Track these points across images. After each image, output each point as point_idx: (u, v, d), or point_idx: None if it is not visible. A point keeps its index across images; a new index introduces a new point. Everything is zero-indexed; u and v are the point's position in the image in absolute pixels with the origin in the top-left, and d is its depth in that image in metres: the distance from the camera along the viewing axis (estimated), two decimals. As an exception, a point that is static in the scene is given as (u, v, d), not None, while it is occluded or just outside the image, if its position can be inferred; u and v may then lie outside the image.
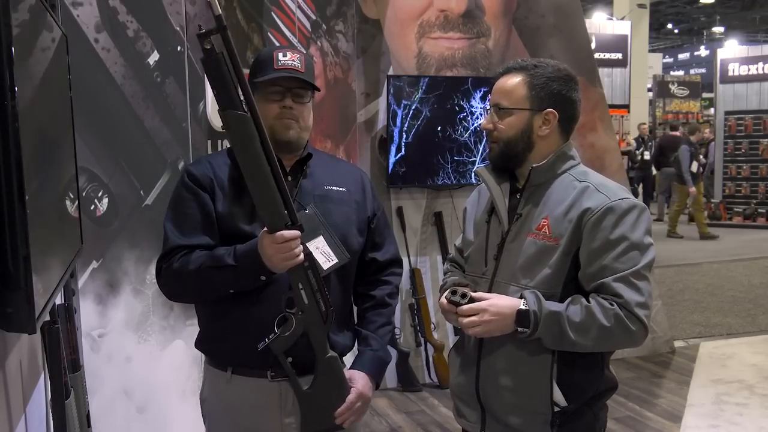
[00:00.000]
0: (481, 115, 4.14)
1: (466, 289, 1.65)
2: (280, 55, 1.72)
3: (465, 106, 4.14)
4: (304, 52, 1.80)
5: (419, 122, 4.09)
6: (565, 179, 1.68)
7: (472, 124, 4.16)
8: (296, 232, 1.59)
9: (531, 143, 1.68)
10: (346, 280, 1.83)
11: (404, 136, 4.06)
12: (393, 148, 4.05)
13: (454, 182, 4.19)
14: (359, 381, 1.78)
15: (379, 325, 1.87)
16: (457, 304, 1.63)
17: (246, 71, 1.58)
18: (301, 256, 1.61)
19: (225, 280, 1.65)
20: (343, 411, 1.73)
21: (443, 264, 4.27)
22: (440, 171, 4.15)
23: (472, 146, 4.19)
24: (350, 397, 1.75)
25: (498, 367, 1.68)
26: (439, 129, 4.13)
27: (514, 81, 1.68)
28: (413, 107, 4.05)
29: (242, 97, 1.53)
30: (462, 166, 4.18)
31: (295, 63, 1.72)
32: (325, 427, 1.74)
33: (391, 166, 4.06)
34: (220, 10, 1.46)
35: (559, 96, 1.67)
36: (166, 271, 1.71)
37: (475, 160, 4.20)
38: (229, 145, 1.74)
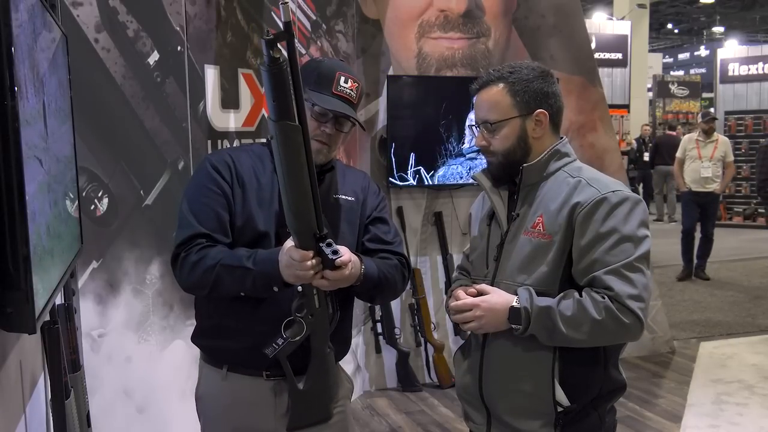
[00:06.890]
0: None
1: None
2: (342, 79, 1.71)
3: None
4: (359, 81, 1.78)
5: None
6: (560, 176, 1.68)
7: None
8: (310, 254, 1.54)
9: (528, 148, 1.68)
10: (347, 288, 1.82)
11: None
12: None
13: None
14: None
15: (380, 255, 1.79)
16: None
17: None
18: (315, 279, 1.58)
19: (238, 282, 1.63)
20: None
21: (443, 264, 4.28)
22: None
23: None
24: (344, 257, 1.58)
25: (500, 368, 1.68)
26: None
27: (495, 93, 1.67)
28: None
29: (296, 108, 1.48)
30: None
31: (352, 93, 1.72)
32: (311, 421, 1.74)
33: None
34: (291, 16, 1.38)
35: (542, 93, 1.67)
36: (185, 261, 1.67)
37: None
38: (234, 144, 1.73)
